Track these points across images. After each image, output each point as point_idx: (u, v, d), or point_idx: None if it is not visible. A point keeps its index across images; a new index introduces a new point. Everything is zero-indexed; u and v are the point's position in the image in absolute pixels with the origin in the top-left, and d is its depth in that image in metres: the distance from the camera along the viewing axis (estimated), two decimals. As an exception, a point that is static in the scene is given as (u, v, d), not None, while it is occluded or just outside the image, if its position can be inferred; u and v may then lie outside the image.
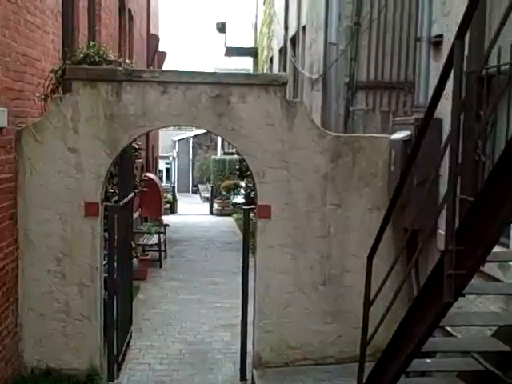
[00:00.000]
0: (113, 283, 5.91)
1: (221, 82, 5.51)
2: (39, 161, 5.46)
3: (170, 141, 43.18)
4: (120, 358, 6.22)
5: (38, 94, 5.78)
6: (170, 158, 42.96)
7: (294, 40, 12.44)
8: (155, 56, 17.74)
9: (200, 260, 12.98)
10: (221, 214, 23.71)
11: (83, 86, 5.40)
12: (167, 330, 7.72)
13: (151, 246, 12.33)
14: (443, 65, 3.06)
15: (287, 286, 5.71)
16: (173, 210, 24.48)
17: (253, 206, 5.95)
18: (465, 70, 3.62)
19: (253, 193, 15.22)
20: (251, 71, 20.94)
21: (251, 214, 6.32)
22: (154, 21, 18.90)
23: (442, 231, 4.85)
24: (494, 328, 3.78)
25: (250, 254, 6.15)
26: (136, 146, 8.92)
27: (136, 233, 12.39)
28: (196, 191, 39.06)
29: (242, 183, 20.93)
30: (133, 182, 7.58)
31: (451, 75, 2.96)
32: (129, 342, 6.93)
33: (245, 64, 24.84)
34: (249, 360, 6.01)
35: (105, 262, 6.01)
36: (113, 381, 5.87)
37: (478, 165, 4.61)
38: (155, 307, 8.90)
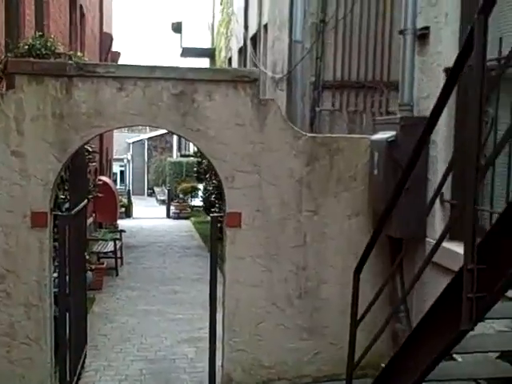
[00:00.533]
0: (64, 301, 5.29)
1: (184, 78, 4.98)
2: (-22, 166, 4.83)
3: (125, 143, 42.51)
4: (74, 383, 5.60)
5: (-24, 91, 5.13)
6: (125, 161, 42.15)
7: (254, 39, 12.15)
8: (108, 55, 17.09)
9: (158, 267, 12.40)
10: (178, 217, 23.10)
11: (28, 82, 4.78)
12: (126, 347, 7.11)
13: (106, 253, 11.68)
14: (457, 54, 2.61)
15: (259, 300, 5.22)
16: (128, 213, 23.80)
17: (221, 214, 5.42)
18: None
19: (212, 196, 14.75)
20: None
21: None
22: (107, 19, 18.33)
23: (431, 240, 4.45)
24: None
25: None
26: (89, 149, 8.31)
27: (90, 240, 11.73)
28: (152, 194, 38.42)
29: (200, 186, 20.43)
30: (86, 188, 6.95)
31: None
32: (83, 363, 6.30)
33: (202, 65, 24.31)
34: (218, 380, 5.48)
35: (56, 275, 5.42)
36: (66, 410, 5.26)
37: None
38: (112, 321, 8.26)
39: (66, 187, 6.08)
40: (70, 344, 5.44)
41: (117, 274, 11.32)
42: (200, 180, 17.31)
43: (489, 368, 3.32)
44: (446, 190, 4.59)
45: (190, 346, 7.12)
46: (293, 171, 5.20)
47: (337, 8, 8.44)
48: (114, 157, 27.32)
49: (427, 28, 4.86)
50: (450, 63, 4.68)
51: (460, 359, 3.77)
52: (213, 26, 20.30)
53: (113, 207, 15.38)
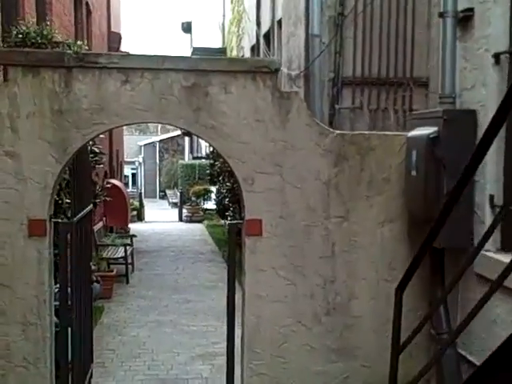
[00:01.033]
0: (66, 317, 4.77)
1: (197, 69, 4.44)
2: (-32, 168, 4.32)
3: (136, 146, 42.29)
4: (77, 407, 5.08)
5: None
6: (136, 164, 41.86)
7: (267, 36, 11.76)
8: (117, 55, 16.64)
9: (171, 273, 11.92)
10: (190, 220, 22.65)
11: (23, 74, 4.25)
12: (135, 364, 6.58)
13: (116, 259, 11.18)
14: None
15: (283, 317, 4.65)
16: (140, 217, 23.37)
17: (239, 221, 4.85)
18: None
19: (226, 199, 14.20)
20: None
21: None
22: (116, 18, 17.98)
23: (487, 252, 3.86)
24: None
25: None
26: (96, 150, 7.81)
27: (99, 246, 11.24)
28: (163, 196, 38.09)
29: (213, 188, 19.93)
30: (91, 192, 6.43)
31: None
32: None
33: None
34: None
35: (57, 287, 4.91)
36: None
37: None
38: (121, 333, 7.75)
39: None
40: (73, 366, 4.92)
41: (127, 282, 10.85)
42: (213, 182, 16.79)
43: None
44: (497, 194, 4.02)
45: (204, 362, 6.59)
46: (319, 172, 4.63)
47: (355, 0, 7.92)
48: (126, 159, 26.92)
49: (471, 9, 4.28)
50: (500, 48, 4.15)
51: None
52: (223, 25, 19.98)
53: (124, 211, 14.95)
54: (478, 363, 3.93)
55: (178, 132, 36.15)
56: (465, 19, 4.34)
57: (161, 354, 6.87)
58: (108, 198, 9.34)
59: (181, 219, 23.53)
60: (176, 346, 7.18)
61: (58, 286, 5.06)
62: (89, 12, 11.89)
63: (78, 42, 5.02)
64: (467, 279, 4.09)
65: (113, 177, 15.94)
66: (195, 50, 21.10)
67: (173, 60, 4.45)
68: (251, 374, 4.65)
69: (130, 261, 11.59)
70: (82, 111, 4.34)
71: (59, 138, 4.36)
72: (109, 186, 10.40)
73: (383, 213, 4.72)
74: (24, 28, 4.64)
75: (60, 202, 6.08)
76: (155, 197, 39.43)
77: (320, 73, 8.04)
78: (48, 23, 4.91)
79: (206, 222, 21.55)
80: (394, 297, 4.66)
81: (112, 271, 10.28)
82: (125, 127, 26.57)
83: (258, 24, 12.54)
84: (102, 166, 9.07)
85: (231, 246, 4.75)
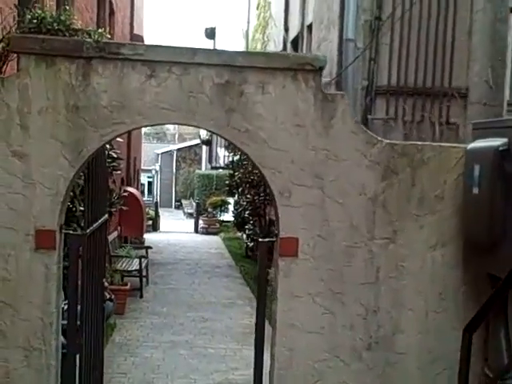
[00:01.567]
0: (74, 343, 4.24)
1: (231, 65, 3.92)
2: (-30, 170, 3.83)
3: (153, 153, 42.00)
4: None
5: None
6: (153, 172, 41.52)
7: (295, 42, 11.40)
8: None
9: (186, 288, 11.42)
10: (207, 232, 22.17)
11: (36, 64, 3.76)
12: (148, 393, 6.06)
13: (131, 272, 10.69)
14: None
15: (319, 351, 4.08)
16: (155, 227, 22.91)
17: (272, 239, 4.30)
18: None
19: (246, 212, 13.67)
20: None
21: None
22: (139, 21, 17.66)
23: None
24: None
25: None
26: (114, 155, 7.33)
27: (113, 257, 10.76)
28: (179, 206, 37.67)
29: (231, 200, 19.45)
30: (107, 200, 5.93)
31: None
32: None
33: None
34: None
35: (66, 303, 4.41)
36: None
37: None
38: (134, 354, 7.22)
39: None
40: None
41: (141, 296, 10.36)
42: (231, 194, 16.28)
43: None
44: None
45: (223, 392, 6.04)
46: (364, 187, 4.08)
47: (393, 4, 7.45)
48: (142, 167, 26.55)
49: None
50: None
51: None
52: (247, 32, 19.68)
53: (139, 220, 14.50)
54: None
55: (196, 141, 35.82)
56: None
57: (176, 381, 6.31)
58: (124, 207, 8.85)
59: (196, 230, 23.05)
60: (192, 370, 6.63)
61: (66, 301, 4.58)
62: (112, 12, 11.55)
63: (99, 30, 4.53)
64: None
65: (129, 184, 15.51)
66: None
67: (205, 53, 3.94)
68: (281, 414, 4.08)
69: (144, 274, 11.11)
70: (101, 108, 3.84)
71: (74, 137, 3.85)
72: (125, 194, 9.92)
73: (435, 235, 4.15)
74: (40, 12, 4.16)
75: (74, 209, 5.60)
76: (171, 206, 39.03)
77: (353, 80, 7.58)
78: (67, 7, 4.48)
79: (222, 234, 21.05)
80: (443, 332, 4.15)
81: (126, 284, 9.78)
82: (143, 134, 26.12)
83: (286, 29, 12.25)
84: (119, 172, 8.59)
85: (262, 267, 4.21)
